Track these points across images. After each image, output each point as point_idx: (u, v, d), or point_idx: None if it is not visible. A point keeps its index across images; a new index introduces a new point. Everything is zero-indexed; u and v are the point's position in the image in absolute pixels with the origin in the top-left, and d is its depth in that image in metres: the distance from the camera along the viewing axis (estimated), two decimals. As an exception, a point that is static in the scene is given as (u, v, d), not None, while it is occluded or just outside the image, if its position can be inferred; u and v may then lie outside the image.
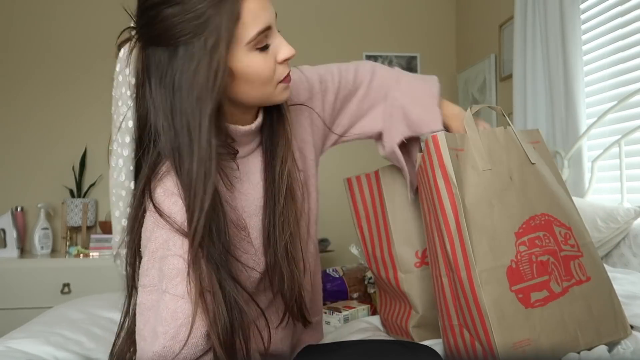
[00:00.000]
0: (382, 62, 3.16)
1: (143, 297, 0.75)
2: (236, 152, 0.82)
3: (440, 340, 1.03)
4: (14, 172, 2.85)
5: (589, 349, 0.92)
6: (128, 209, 0.79)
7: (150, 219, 0.75)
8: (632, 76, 1.84)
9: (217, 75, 0.70)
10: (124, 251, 0.81)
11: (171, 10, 0.69)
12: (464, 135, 0.98)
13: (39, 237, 2.67)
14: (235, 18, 0.70)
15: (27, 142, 2.87)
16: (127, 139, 0.80)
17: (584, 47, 2.05)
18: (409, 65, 3.18)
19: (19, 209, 2.77)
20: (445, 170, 0.92)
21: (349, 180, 1.28)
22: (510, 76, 2.52)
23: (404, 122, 1.03)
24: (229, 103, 0.79)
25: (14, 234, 2.60)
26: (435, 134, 0.94)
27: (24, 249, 2.76)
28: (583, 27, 2.06)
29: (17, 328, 1.22)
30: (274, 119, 0.87)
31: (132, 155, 0.80)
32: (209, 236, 0.73)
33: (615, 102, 1.86)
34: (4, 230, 2.59)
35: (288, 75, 0.80)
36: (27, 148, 2.87)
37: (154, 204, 0.74)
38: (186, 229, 0.72)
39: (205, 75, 0.70)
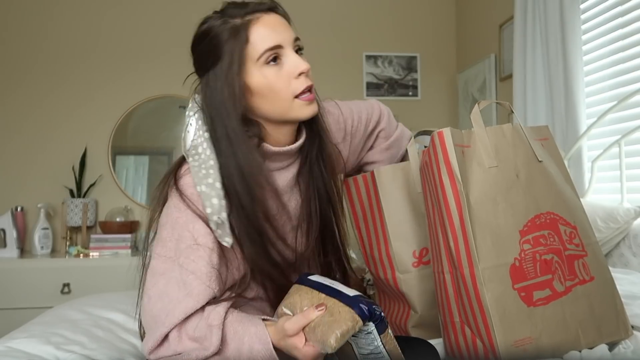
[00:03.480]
0: (382, 62, 3.16)
1: (157, 264, 0.86)
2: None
3: (440, 340, 1.03)
4: (14, 172, 2.85)
5: (590, 349, 0.92)
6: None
7: (172, 201, 0.90)
8: (632, 76, 1.84)
9: (235, 90, 0.87)
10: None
11: (201, 47, 0.89)
12: (470, 132, 0.98)
13: (39, 237, 2.67)
14: (244, 41, 0.86)
15: (27, 142, 2.87)
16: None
17: (584, 47, 2.05)
18: (409, 65, 3.18)
19: (19, 209, 2.77)
20: (450, 166, 0.92)
21: (346, 182, 1.28)
22: (510, 76, 2.52)
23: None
24: (266, 123, 0.93)
25: (14, 234, 2.60)
26: (440, 129, 0.95)
27: (24, 249, 2.76)
28: (583, 27, 2.06)
29: (17, 328, 1.22)
30: (315, 141, 1.00)
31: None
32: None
33: (615, 102, 1.86)
34: (4, 230, 2.59)
35: (308, 91, 0.90)
36: (27, 148, 2.87)
37: (178, 189, 0.89)
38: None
39: (227, 91, 0.87)
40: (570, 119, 2.02)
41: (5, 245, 2.58)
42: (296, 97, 0.89)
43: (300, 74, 0.88)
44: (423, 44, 3.21)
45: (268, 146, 0.94)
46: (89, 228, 2.81)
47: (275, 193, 0.93)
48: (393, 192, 1.20)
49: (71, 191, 2.83)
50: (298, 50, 0.91)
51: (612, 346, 0.96)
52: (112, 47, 2.95)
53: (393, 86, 3.17)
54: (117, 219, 2.79)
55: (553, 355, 0.88)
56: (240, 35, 0.86)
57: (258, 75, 0.87)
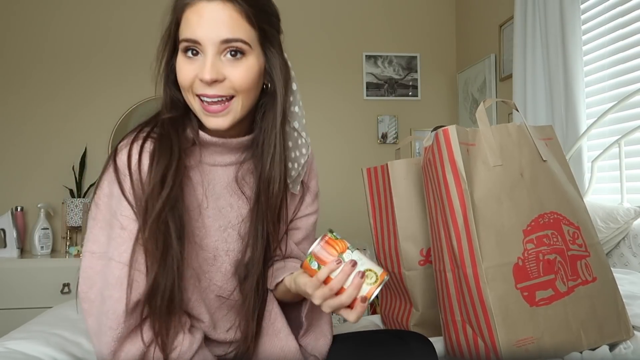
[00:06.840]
0: (382, 62, 3.16)
1: (92, 262, 0.78)
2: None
3: (440, 338, 1.03)
4: (14, 172, 2.84)
5: (592, 349, 0.92)
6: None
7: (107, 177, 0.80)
8: (632, 76, 1.84)
9: (162, 66, 0.85)
10: None
11: None
12: (476, 130, 0.97)
13: (39, 237, 2.67)
14: (177, 22, 0.82)
15: (27, 142, 2.87)
16: None
17: (584, 47, 2.05)
18: (409, 65, 3.18)
19: (19, 209, 2.76)
20: (455, 165, 0.91)
21: (368, 170, 1.29)
22: (510, 76, 2.52)
23: None
24: None
25: (14, 234, 2.59)
26: (446, 127, 0.94)
27: (24, 249, 2.76)
28: (583, 27, 2.06)
29: (16, 328, 1.22)
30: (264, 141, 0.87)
31: None
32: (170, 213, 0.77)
33: (615, 102, 1.86)
34: (4, 230, 2.59)
35: (208, 102, 0.79)
36: (27, 148, 2.86)
37: (115, 159, 0.80)
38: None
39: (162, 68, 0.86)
40: (570, 119, 2.02)
41: (5, 245, 2.58)
42: (198, 96, 0.80)
43: (201, 80, 0.78)
44: (423, 44, 3.21)
45: (203, 134, 0.85)
46: (88, 228, 2.80)
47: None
48: (405, 188, 1.21)
49: (71, 191, 2.83)
50: (234, 53, 0.78)
51: (612, 346, 0.96)
52: (113, 47, 2.94)
53: (393, 86, 3.16)
54: (117, 219, 2.78)
55: (555, 356, 0.88)
56: (174, 15, 0.82)
57: (178, 60, 0.82)
